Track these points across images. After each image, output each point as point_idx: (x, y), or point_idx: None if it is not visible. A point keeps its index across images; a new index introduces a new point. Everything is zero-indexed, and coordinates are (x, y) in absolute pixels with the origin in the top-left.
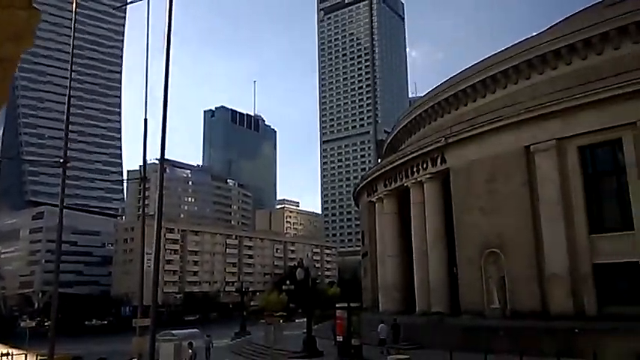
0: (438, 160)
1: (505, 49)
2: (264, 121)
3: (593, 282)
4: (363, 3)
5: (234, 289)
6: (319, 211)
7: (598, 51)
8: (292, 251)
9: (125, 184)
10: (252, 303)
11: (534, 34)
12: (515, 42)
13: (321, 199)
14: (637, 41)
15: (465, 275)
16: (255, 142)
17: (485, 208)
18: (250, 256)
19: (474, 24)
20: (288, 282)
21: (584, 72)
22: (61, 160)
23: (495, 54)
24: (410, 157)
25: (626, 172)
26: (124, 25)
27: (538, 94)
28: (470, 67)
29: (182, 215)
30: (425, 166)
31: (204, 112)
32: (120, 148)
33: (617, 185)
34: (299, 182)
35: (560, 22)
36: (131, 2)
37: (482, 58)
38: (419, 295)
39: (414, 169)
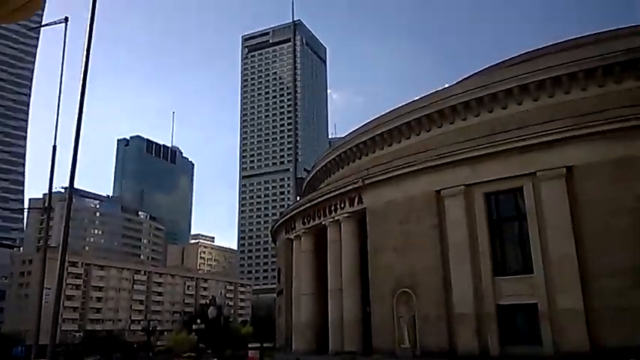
0: (356, 200)
1: (419, 99)
2: (181, 153)
3: (496, 322)
4: (287, 44)
5: (140, 328)
6: (235, 247)
7: (503, 105)
8: (205, 288)
9: (25, 213)
10: (159, 343)
11: (447, 85)
12: (429, 92)
13: (238, 235)
14: (536, 98)
15: (377, 314)
16: (170, 175)
17: (399, 249)
18: (160, 293)
19: (394, 71)
20: (198, 321)
21: (491, 124)
22: None
23: (411, 102)
24: (329, 196)
25: (527, 218)
26: (36, 47)
27: (449, 142)
28: (387, 113)
29: (87, 248)
30: (343, 205)
31: (118, 140)
32: (23, 174)
33: (518, 231)
34: (215, 217)
35: (471, 75)
36: (48, 25)
37: (399, 105)
38: (332, 335)
39: (332, 208)
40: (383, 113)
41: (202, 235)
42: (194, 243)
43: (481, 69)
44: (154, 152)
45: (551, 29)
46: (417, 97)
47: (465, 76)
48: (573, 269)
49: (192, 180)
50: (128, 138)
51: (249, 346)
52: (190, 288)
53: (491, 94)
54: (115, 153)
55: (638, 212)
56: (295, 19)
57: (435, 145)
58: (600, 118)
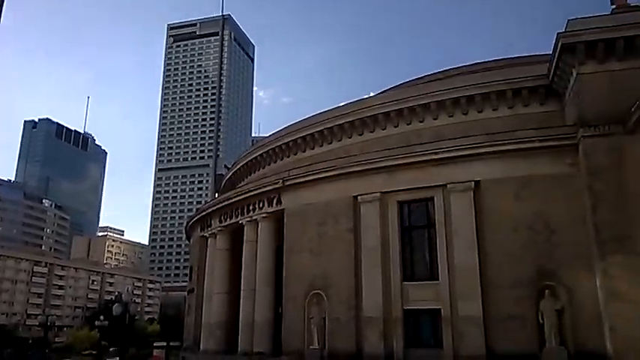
0: (275, 201)
1: (343, 105)
2: (94, 140)
3: (402, 326)
4: (215, 38)
5: (37, 323)
6: (146, 242)
7: (420, 119)
8: (111, 284)
9: None
10: (57, 339)
11: (371, 94)
12: (353, 100)
13: (150, 229)
14: (451, 115)
15: (289, 315)
16: (81, 162)
17: (314, 251)
18: (61, 287)
19: (322, 73)
20: (102, 317)
21: (408, 135)
22: None
23: (334, 108)
24: (248, 195)
25: (435, 228)
26: None
27: (368, 150)
28: (311, 117)
29: None
30: (261, 205)
31: (25, 122)
32: None
33: (427, 239)
34: (127, 210)
35: (391, 88)
36: None
37: (323, 110)
38: (242, 335)
39: (251, 208)
40: (307, 116)
41: (111, 228)
42: (102, 236)
43: (402, 82)
44: (64, 137)
45: (484, 46)
46: (342, 104)
47: (386, 88)
48: (475, 278)
49: (104, 169)
50: (36, 120)
51: (155, 344)
52: (95, 283)
53: (410, 107)
54: (20, 135)
55: (535, 228)
56: (225, 14)
57: (356, 152)
58: (507, 138)
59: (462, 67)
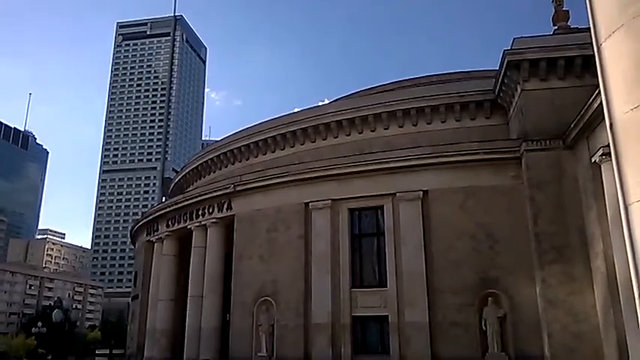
0: (225, 206)
1: (296, 112)
2: (35, 138)
3: (350, 332)
4: (166, 38)
5: None
6: (89, 246)
7: (372, 128)
8: (50, 289)
9: None
10: None
11: (326, 101)
12: (307, 107)
13: (93, 233)
14: (402, 125)
15: (237, 322)
16: (19, 161)
17: (264, 257)
18: None
19: (276, 78)
20: (40, 324)
21: (360, 144)
22: None
23: (288, 114)
24: (197, 199)
25: (384, 236)
26: None
27: (320, 157)
28: (263, 122)
29: None
30: (211, 210)
31: None
32: None
33: (376, 247)
34: (69, 213)
35: (347, 95)
36: None
37: (276, 116)
38: (188, 342)
39: (200, 213)
40: (260, 122)
41: (52, 231)
42: (41, 238)
43: (355, 91)
44: (2, 134)
45: (444, 56)
46: (295, 110)
47: (340, 96)
48: (422, 285)
49: (45, 169)
50: None
51: (97, 352)
52: (33, 288)
53: (362, 116)
54: None
55: (479, 238)
56: (177, 14)
57: (308, 159)
58: (453, 150)
59: (414, 78)
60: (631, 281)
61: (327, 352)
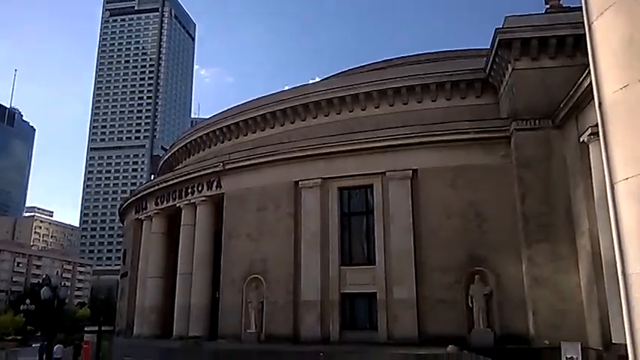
0: (214, 184)
1: (287, 90)
2: (21, 115)
3: (339, 309)
4: (154, 14)
5: None
6: (77, 224)
7: (363, 107)
8: (38, 267)
9: None
10: None
11: (317, 79)
12: (297, 85)
13: (81, 211)
14: (392, 104)
15: (226, 299)
16: (5, 138)
17: (253, 235)
18: None
19: (268, 55)
20: (28, 301)
21: (351, 123)
22: None
23: (278, 92)
24: (186, 177)
25: (374, 214)
26: None
27: (311, 136)
28: (253, 100)
29: None
30: (200, 188)
31: None
32: None
33: (366, 225)
34: (57, 190)
35: (338, 73)
36: None
37: (267, 94)
38: (178, 319)
39: (189, 191)
40: (250, 100)
41: (39, 209)
42: (29, 216)
43: (346, 69)
44: None
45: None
46: (286, 88)
47: (331, 74)
48: (410, 263)
49: (32, 147)
50: None
51: (86, 329)
52: (21, 265)
53: (353, 95)
54: None
55: (467, 216)
56: None
57: (298, 137)
58: (443, 129)
59: (405, 57)
60: (615, 260)
61: (316, 328)
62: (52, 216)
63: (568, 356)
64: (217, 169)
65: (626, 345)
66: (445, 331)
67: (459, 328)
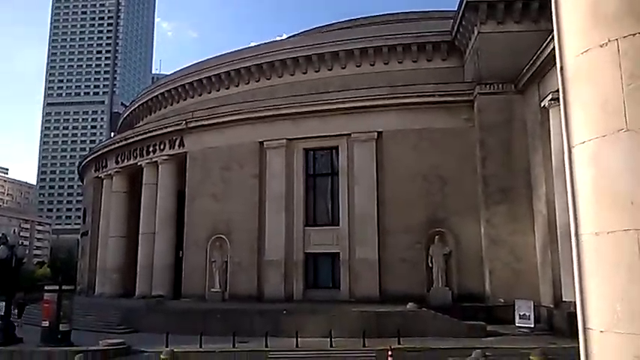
0: (177, 143)
1: (252, 47)
2: None
3: (303, 269)
4: None
5: None
6: (34, 182)
7: (329, 67)
8: None
9: None
10: None
11: (285, 36)
12: (263, 42)
13: (39, 168)
14: (359, 65)
15: (190, 259)
16: None
17: (218, 195)
18: None
19: (233, 10)
20: None
21: (317, 83)
22: None
23: (242, 49)
24: (147, 135)
25: (339, 176)
26: None
27: (277, 95)
28: (217, 57)
29: None
30: (162, 147)
31: None
32: None
33: (330, 186)
34: (12, 147)
35: (304, 31)
36: None
37: (230, 51)
38: (140, 278)
39: (151, 149)
40: (213, 56)
41: None
42: None
43: (312, 28)
44: None
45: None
46: (251, 44)
47: (297, 32)
48: (373, 224)
49: None
50: None
51: (46, 288)
52: None
53: (319, 54)
54: None
55: (430, 179)
56: None
57: (263, 96)
58: (408, 91)
59: (372, 16)
60: (569, 222)
61: (280, 287)
62: (7, 173)
63: (521, 313)
64: (180, 127)
65: (575, 302)
66: (406, 290)
67: (419, 287)
